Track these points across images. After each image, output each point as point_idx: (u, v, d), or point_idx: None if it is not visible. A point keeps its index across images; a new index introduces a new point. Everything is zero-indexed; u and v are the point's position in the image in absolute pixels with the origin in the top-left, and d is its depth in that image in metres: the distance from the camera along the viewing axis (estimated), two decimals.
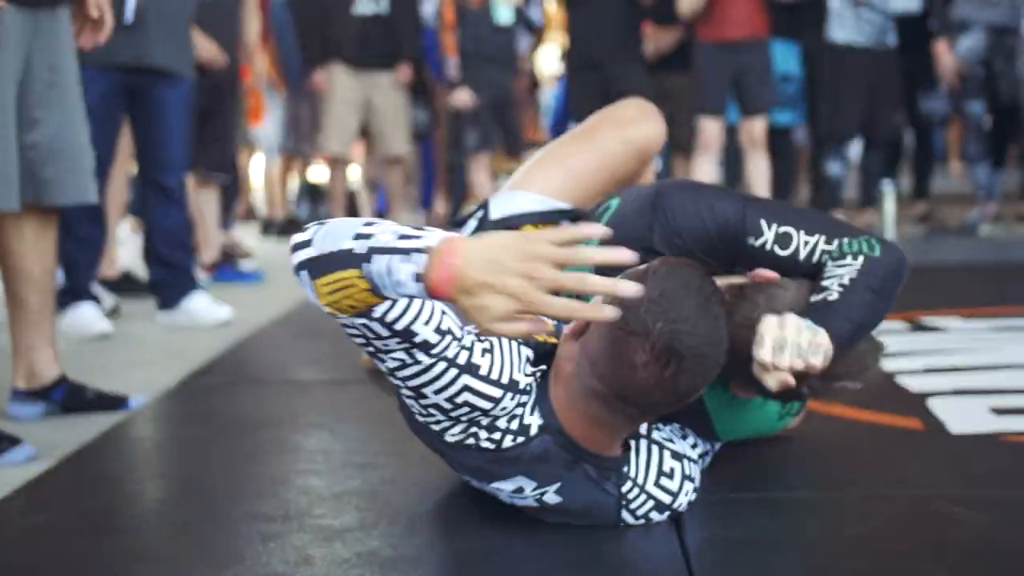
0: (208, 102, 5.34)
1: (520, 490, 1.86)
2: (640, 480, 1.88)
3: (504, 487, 1.87)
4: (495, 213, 2.37)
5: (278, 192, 9.06)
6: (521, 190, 2.40)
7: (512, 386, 1.78)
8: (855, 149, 7.96)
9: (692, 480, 1.93)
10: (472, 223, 2.40)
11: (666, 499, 1.89)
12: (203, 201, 5.74)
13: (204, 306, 4.35)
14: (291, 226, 8.86)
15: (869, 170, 7.13)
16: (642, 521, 1.89)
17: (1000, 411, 2.64)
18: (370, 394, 3.11)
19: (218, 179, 5.78)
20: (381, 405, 2.97)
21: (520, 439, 1.80)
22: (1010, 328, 3.66)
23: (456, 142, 7.30)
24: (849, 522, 1.91)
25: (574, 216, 2.37)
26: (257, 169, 9.82)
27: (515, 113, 7.32)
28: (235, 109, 5.87)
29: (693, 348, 1.66)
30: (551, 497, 1.86)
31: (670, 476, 1.90)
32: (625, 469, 1.86)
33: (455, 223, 2.43)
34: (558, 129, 8.82)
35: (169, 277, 4.38)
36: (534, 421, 1.80)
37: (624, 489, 1.87)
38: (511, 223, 2.35)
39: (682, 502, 1.91)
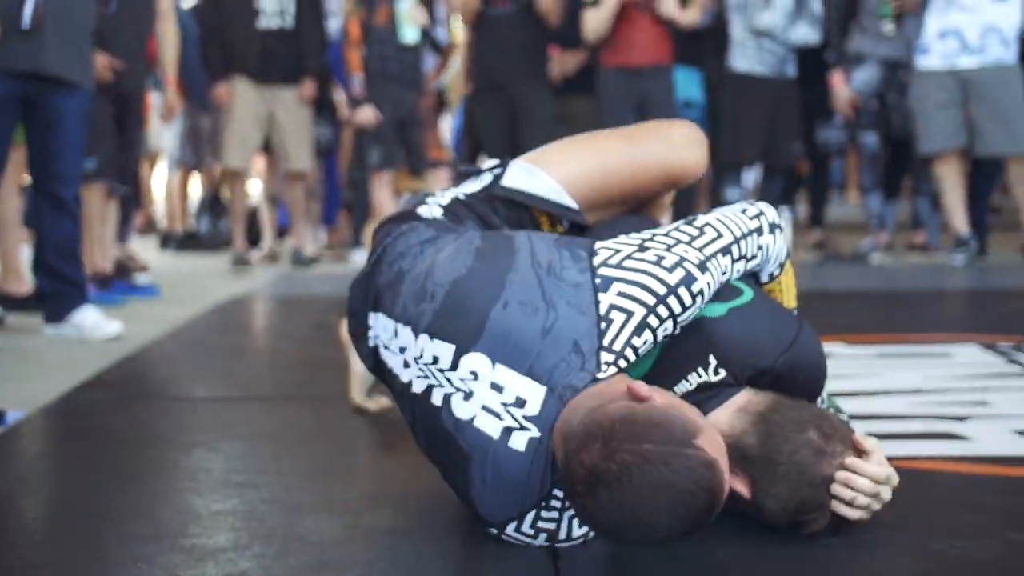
0: (117, 114, 5.27)
1: (521, 404, 1.82)
2: (568, 504, 1.84)
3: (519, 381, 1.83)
4: (508, 180, 2.26)
5: (178, 206, 8.94)
6: (543, 170, 2.28)
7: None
8: (752, 176, 8.11)
9: (586, 536, 1.92)
10: (486, 177, 2.28)
11: (563, 535, 1.87)
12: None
13: (93, 320, 4.27)
14: (190, 241, 8.75)
15: (767, 197, 7.26)
16: (531, 532, 1.87)
17: (876, 436, 2.69)
18: (255, 412, 3.08)
19: (118, 191, 5.70)
20: (265, 423, 2.95)
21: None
22: (892, 355, 3.74)
23: (359, 159, 7.28)
24: (722, 545, 1.93)
25: (576, 221, 2.28)
26: (159, 181, 9.69)
27: (419, 132, 7.31)
28: (139, 122, 5.80)
29: (602, 523, 1.68)
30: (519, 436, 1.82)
31: (581, 525, 1.89)
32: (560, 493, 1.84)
33: (465, 173, 2.33)
34: (461, 148, 8.84)
35: (58, 289, 4.30)
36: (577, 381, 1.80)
37: (556, 492, 1.83)
38: (517, 197, 2.25)
39: (564, 543, 1.89)
